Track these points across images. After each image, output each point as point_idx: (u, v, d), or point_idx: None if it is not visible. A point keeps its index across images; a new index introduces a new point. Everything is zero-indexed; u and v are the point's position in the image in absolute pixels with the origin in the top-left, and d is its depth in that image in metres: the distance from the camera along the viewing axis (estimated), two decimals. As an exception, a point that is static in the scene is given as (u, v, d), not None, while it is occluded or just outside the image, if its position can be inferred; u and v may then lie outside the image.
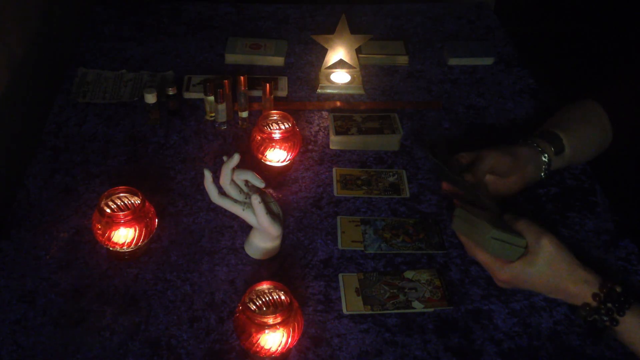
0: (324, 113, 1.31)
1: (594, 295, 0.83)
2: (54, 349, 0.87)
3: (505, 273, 0.87)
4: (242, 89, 1.23)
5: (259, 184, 0.94)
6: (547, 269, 0.85)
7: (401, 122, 1.25)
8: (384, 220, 1.08)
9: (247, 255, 1.01)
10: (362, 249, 1.03)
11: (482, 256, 0.89)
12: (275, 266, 1.00)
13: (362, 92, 1.37)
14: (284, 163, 1.14)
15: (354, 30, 1.32)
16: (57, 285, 0.96)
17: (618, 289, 0.83)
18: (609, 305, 0.82)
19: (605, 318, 0.83)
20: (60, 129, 1.24)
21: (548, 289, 0.87)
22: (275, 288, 0.84)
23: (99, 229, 0.95)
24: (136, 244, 0.96)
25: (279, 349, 0.82)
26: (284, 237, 1.02)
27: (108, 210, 0.95)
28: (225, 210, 0.97)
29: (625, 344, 0.85)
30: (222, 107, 1.23)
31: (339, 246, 1.03)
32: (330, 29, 1.33)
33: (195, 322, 0.91)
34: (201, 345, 0.89)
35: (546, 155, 1.04)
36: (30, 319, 0.91)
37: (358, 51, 1.38)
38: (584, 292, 0.84)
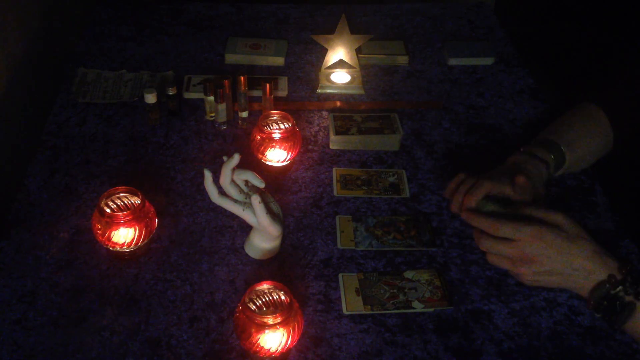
0: (324, 113, 1.31)
1: (620, 267, 0.81)
2: (54, 349, 0.87)
3: (528, 234, 0.82)
4: (242, 89, 1.23)
5: (259, 183, 0.93)
6: (566, 233, 0.82)
7: (401, 122, 1.25)
8: (375, 218, 1.08)
9: (247, 255, 1.01)
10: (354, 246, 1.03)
11: (501, 247, 0.84)
12: (275, 266, 1.00)
13: (362, 92, 1.37)
14: (284, 163, 1.14)
15: (354, 30, 1.32)
16: (57, 285, 0.96)
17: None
18: (634, 278, 0.80)
19: (630, 290, 0.80)
20: (60, 129, 1.24)
21: (566, 263, 0.82)
22: (275, 288, 0.84)
23: (99, 229, 0.95)
24: (136, 244, 0.96)
25: (279, 349, 0.82)
26: (284, 237, 1.02)
27: (108, 210, 0.95)
28: (225, 210, 0.97)
29: (635, 335, 0.83)
30: (222, 107, 1.23)
31: (339, 245, 1.03)
32: (330, 29, 1.33)
33: (195, 322, 0.91)
34: (201, 345, 0.89)
35: (546, 163, 1.00)
36: (30, 319, 0.91)
37: (358, 51, 1.38)
38: (606, 266, 0.82)
